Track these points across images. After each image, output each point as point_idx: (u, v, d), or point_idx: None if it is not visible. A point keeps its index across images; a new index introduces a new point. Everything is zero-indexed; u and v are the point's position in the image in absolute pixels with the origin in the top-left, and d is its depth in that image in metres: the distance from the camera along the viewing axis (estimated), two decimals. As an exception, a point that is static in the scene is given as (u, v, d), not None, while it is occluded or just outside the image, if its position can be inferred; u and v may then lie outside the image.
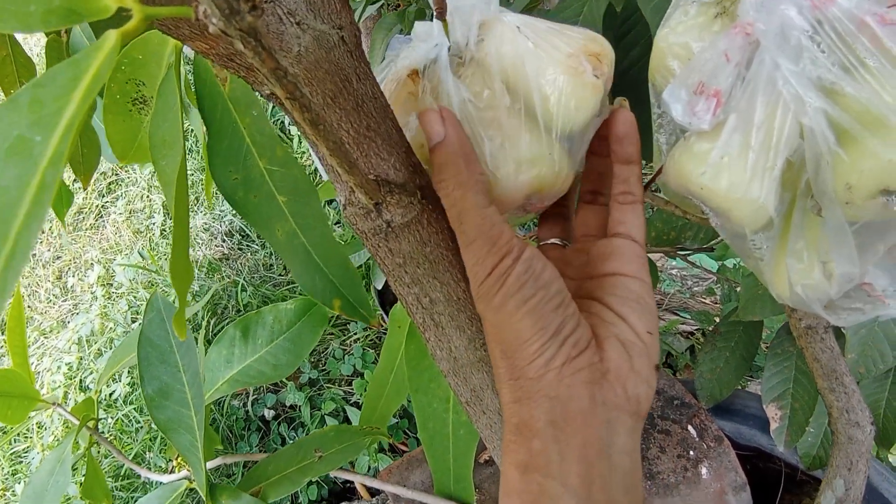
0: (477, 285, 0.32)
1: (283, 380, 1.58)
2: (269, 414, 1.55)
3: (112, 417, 1.63)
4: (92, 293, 1.96)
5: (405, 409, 1.47)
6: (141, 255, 1.98)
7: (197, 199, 2.01)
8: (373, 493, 1.34)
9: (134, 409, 1.64)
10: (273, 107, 2.08)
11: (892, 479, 0.80)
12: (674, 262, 1.62)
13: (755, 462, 0.95)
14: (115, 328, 1.83)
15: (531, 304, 0.30)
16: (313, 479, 1.40)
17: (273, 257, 1.86)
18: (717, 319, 1.43)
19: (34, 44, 2.54)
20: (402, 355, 0.67)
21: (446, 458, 0.63)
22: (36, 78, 0.16)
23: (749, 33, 0.31)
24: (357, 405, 1.52)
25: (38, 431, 1.68)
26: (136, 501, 1.49)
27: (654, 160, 0.38)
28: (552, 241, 0.41)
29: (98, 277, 1.98)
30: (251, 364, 0.80)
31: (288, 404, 1.55)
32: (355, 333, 1.64)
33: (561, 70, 0.34)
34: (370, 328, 1.64)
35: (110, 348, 1.79)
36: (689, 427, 0.86)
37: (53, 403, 0.79)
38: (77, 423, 0.78)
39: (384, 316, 1.43)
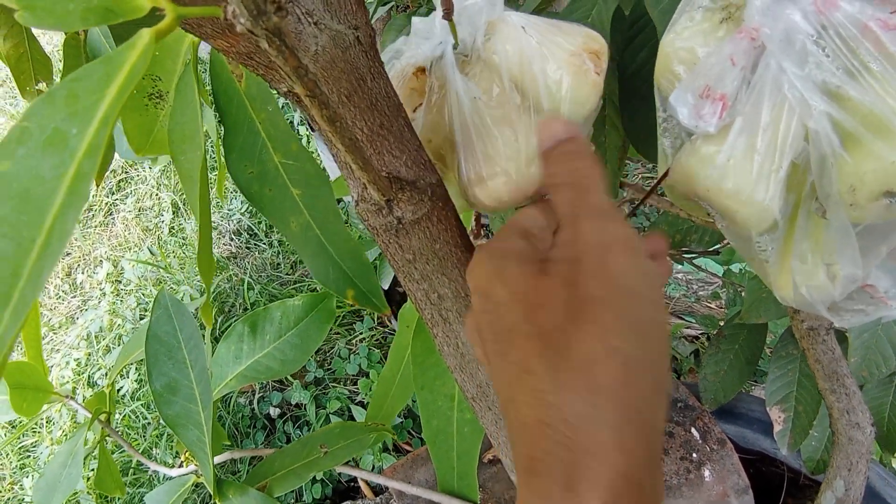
0: None
1: (289, 378, 1.59)
2: (274, 412, 1.56)
3: (119, 413, 1.64)
4: (101, 290, 1.98)
5: (410, 409, 1.48)
6: (150, 252, 2.00)
7: (206, 197, 2.02)
8: (376, 492, 1.34)
9: (141, 405, 1.65)
10: (283, 104, 2.10)
11: (895, 484, 0.81)
12: (679, 267, 1.62)
13: (758, 466, 0.95)
14: (123, 324, 1.85)
15: None
16: (318, 477, 1.41)
17: (280, 256, 1.88)
18: (722, 324, 1.44)
19: (45, 41, 2.56)
20: (409, 353, 0.68)
21: (450, 454, 0.63)
22: (72, 73, 0.17)
23: (755, 38, 0.32)
24: (362, 404, 1.52)
25: (46, 426, 1.70)
26: (143, 497, 1.50)
27: (658, 163, 0.39)
28: None
29: (107, 274, 1.99)
30: (259, 359, 0.81)
31: (293, 403, 1.56)
32: (361, 333, 1.65)
33: (566, 68, 0.35)
34: (376, 328, 1.65)
35: (119, 345, 1.81)
36: (693, 430, 0.86)
37: (67, 396, 0.80)
38: (89, 416, 0.80)
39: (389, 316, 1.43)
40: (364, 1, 0.30)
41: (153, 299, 0.68)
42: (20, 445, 1.68)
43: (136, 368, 1.70)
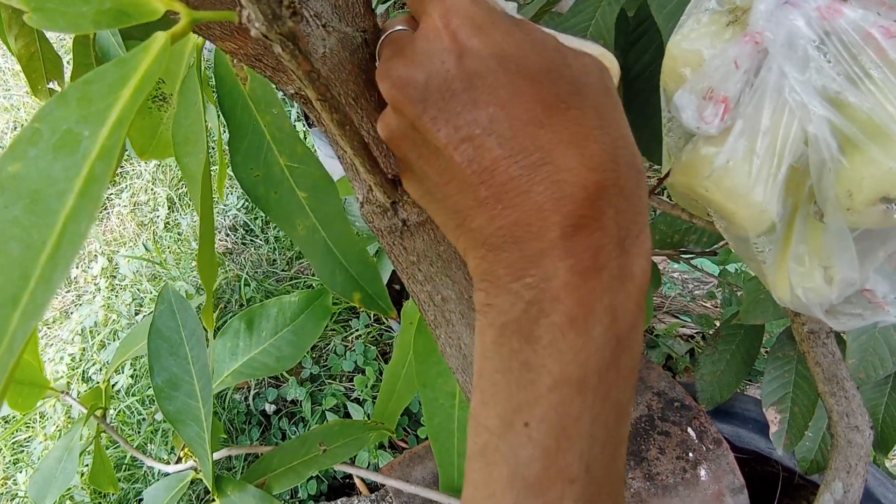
0: None
1: (285, 374, 1.59)
2: (270, 408, 1.55)
3: (115, 409, 1.64)
4: (95, 284, 1.97)
5: (406, 406, 1.48)
6: (146, 247, 1.99)
7: (202, 193, 2.01)
8: (372, 488, 1.35)
9: (136, 400, 1.65)
10: (281, 98, 2.09)
11: (889, 485, 0.81)
12: (675, 266, 1.62)
13: (753, 465, 0.96)
14: (118, 320, 1.84)
15: None
16: (313, 474, 1.41)
17: (276, 252, 1.87)
18: (718, 323, 1.44)
19: (52, 35, 2.54)
20: (412, 351, 0.68)
21: (451, 452, 0.63)
22: (85, 75, 0.17)
23: (759, 42, 0.32)
24: (358, 401, 1.52)
25: (40, 421, 1.69)
26: (138, 493, 1.50)
27: (663, 163, 0.39)
28: None
29: (102, 269, 1.99)
30: (255, 356, 0.81)
31: (289, 399, 1.56)
32: (357, 330, 1.65)
33: None
34: (372, 325, 1.65)
35: (114, 340, 1.80)
36: (689, 429, 0.87)
37: (62, 392, 0.80)
38: (83, 412, 0.79)
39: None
40: (371, 4, 0.30)
41: (149, 295, 0.68)
42: (13, 440, 1.67)
43: (131, 364, 1.69)
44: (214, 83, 0.40)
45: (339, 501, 1.06)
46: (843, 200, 0.33)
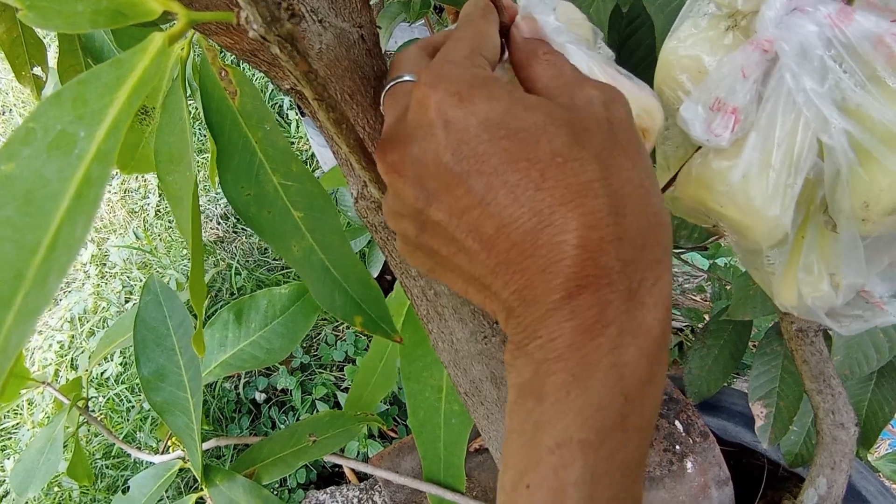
0: None
1: (275, 364, 1.59)
2: (260, 397, 1.55)
3: (104, 396, 1.63)
4: (85, 272, 1.95)
5: (395, 396, 1.48)
6: (136, 235, 1.98)
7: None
8: (361, 477, 1.35)
9: (125, 388, 1.64)
10: (271, 91, 2.07)
11: (871, 479, 0.83)
12: (666, 259, 1.63)
13: (739, 458, 0.97)
14: (108, 307, 1.83)
15: None
16: (304, 464, 1.42)
17: (267, 241, 1.86)
18: (707, 317, 1.45)
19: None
20: (394, 344, 0.68)
21: (437, 445, 0.64)
22: (80, 75, 0.17)
23: (767, 50, 0.31)
24: (348, 391, 1.53)
25: (28, 408, 1.68)
26: (127, 480, 1.50)
27: (658, 171, 0.39)
28: None
29: (91, 256, 1.97)
30: (244, 348, 0.81)
31: (279, 388, 1.56)
32: (348, 320, 1.65)
33: None
34: (363, 315, 1.65)
35: (103, 328, 1.79)
36: (677, 422, 0.88)
37: (43, 382, 0.79)
38: (67, 402, 0.79)
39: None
40: (369, 0, 0.30)
41: (139, 283, 0.67)
42: (1, 427, 1.66)
43: (121, 352, 1.69)
44: (201, 99, 0.38)
45: (328, 490, 1.07)
46: (858, 211, 0.32)
